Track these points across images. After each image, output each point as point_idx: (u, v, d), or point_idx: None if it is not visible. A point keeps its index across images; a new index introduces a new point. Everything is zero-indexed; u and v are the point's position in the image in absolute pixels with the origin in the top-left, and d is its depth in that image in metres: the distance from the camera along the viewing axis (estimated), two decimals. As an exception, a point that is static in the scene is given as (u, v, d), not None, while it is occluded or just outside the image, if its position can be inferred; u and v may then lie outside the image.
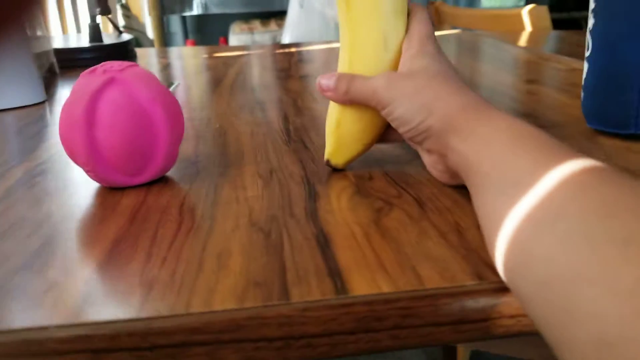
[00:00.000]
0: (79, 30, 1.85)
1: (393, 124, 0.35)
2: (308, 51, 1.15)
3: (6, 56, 0.68)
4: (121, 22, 2.14)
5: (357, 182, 0.37)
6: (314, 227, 0.30)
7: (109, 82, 0.34)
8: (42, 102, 0.72)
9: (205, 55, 1.14)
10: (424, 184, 0.36)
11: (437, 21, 1.67)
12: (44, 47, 0.89)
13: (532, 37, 1.17)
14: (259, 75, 0.87)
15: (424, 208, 0.33)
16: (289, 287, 0.24)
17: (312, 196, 0.35)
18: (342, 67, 0.38)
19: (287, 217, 0.32)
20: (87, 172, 0.35)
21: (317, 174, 0.40)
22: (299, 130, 0.52)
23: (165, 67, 0.96)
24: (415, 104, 0.33)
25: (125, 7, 2.28)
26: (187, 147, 0.48)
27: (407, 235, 0.29)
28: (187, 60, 1.06)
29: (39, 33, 0.85)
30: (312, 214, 0.32)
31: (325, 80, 0.37)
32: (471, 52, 1.02)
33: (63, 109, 0.35)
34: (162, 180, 0.39)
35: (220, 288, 0.24)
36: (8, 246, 0.29)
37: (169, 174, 0.40)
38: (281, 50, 1.18)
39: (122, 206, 0.34)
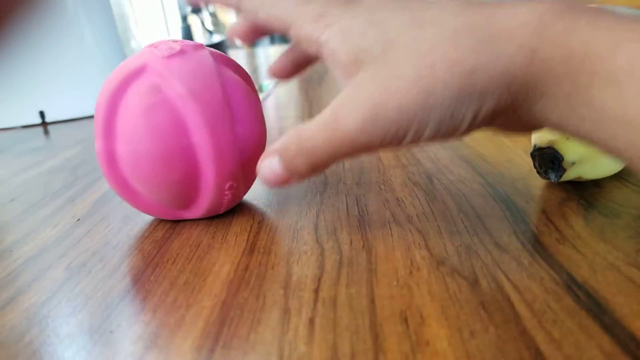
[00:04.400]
0: (168, 33, 1.86)
1: (427, 143, 0.18)
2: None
3: (99, 60, 0.63)
4: (210, 29, 2.15)
5: (577, 190, 0.25)
6: (554, 270, 0.18)
7: (140, 71, 0.24)
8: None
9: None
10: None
11: None
12: (137, 49, 0.85)
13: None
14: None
15: None
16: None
17: (516, 213, 0.23)
18: None
19: (493, 249, 0.20)
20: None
21: (501, 177, 0.28)
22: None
23: (256, 69, 0.89)
24: (447, 97, 0.16)
25: (214, 15, 2.29)
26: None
27: None
28: (282, 57, 0.98)
29: (130, 37, 0.81)
30: (536, 246, 0.20)
31: (268, 164, 0.20)
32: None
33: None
34: (283, 189, 0.29)
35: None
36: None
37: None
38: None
39: (231, 231, 0.25)
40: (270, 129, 0.45)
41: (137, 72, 0.24)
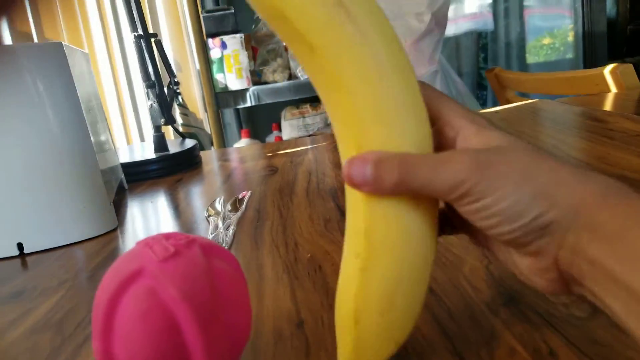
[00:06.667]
0: (142, 138, 1.89)
1: (485, 223, 0.24)
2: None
3: (76, 185, 0.64)
4: (179, 120, 2.19)
5: (531, 361, 0.28)
6: None
7: (136, 274, 0.26)
8: (114, 230, 0.67)
9: (270, 154, 1.09)
10: None
11: (499, 87, 1.59)
12: (112, 162, 0.86)
13: (619, 100, 1.07)
14: (332, 174, 0.80)
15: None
16: None
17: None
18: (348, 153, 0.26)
19: None
20: None
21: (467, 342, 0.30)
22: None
23: (230, 175, 0.92)
24: (526, 192, 0.23)
25: (183, 106, 2.34)
26: (282, 298, 0.40)
27: None
28: (251, 162, 1.02)
29: (106, 147, 0.82)
30: None
31: (358, 168, 0.25)
32: (554, 122, 0.93)
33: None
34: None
35: None
36: None
37: (267, 354, 0.32)
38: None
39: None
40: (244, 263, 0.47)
41: (134, 276, 0.26)
